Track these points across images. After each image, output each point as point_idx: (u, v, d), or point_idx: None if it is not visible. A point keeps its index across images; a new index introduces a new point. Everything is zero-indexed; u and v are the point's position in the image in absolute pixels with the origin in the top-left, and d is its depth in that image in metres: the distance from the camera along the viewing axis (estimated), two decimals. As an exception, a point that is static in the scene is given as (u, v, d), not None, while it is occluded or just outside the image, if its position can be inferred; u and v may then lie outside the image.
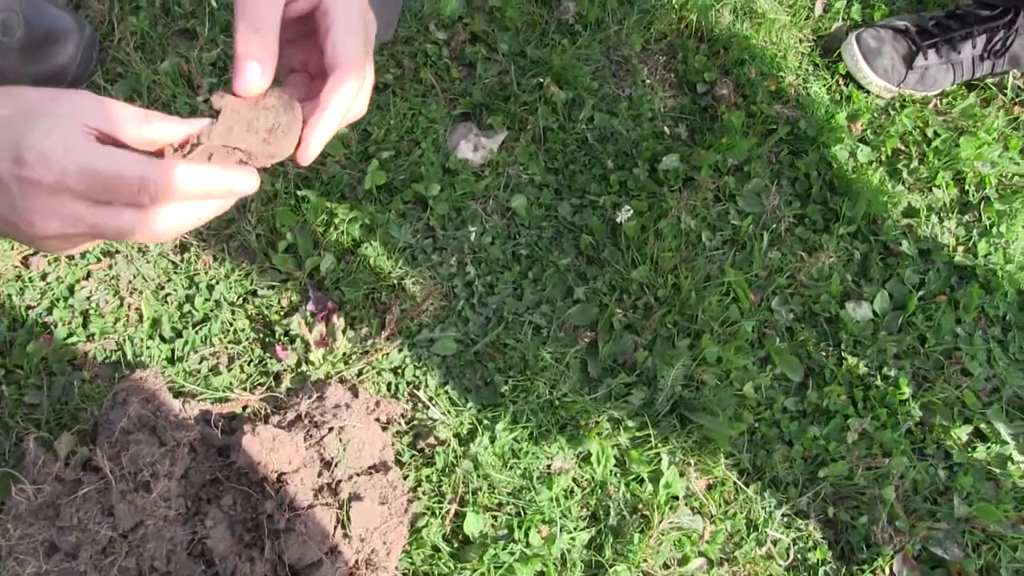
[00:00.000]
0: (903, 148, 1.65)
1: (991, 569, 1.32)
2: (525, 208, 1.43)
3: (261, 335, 1.28)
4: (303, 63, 0.70)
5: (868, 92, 1.68)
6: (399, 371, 1.30)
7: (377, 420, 1.24)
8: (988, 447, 1.42)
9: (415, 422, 1.27)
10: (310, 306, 1.29)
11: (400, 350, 1.30)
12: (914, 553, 1.32)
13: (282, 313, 1.30)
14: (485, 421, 1.28)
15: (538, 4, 1.59)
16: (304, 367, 1.27)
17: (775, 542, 1.31)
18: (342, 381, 1.26)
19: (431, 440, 1.25)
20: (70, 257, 1.27)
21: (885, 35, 1.67)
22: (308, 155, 0.63)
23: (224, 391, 1.23)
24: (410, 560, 1.19)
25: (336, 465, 1.15)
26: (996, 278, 1.55)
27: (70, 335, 1.23)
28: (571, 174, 1.48)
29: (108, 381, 1.21)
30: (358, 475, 1.16)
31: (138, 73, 1.36)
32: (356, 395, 1.24)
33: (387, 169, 1.40)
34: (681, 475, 1.31)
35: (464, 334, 1.34)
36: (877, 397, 1.42)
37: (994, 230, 1.60)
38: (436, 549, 1.20)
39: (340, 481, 1.15)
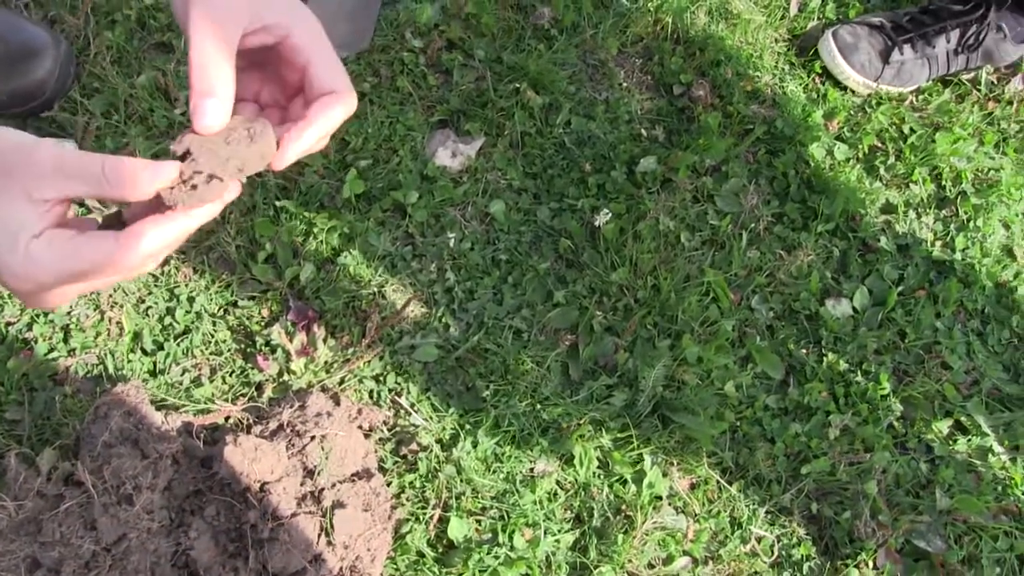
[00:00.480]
0: (880, 145, 1.66)
1: (973, 559, 1.33)
2: (504, 213, 1.44)
3: (242, 346, 1.29)
4: (255, 93, 0.71)
5: (845, 89, 1.69)
6: (381, 378, 1.30)
7: (359, 427, 1.25)
8: (969, 440, 1.43)
9: (397, 429, 1.28)
10: (291, 316, 1.30)
11: (381, 357, 1.31)
12: (897, 546, 1.33)
13: (263, 323, 1.30)
14: (467, 426, 1.29)
15: (514, 10, 1.60)
16: (286, 376, 1.27)
17: (759, 539, 1.32)
18: (324, 390, 1.27)
19: (414, 446, 1.26)
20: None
21: (861, 31, 1.69)
22: (284, 161, 0.64)
23: (206, 402, 1.23)
24: (395, 566, 1.19)
25: (319, 473, 1.16)
26: (974, 272, 1.57)
27: (51, 350, 1.23)
28: (549, 178, 1.49)
29: (90, 395, 1.21)
30: (341, 483, 1.17)
31: (115, 87, 1.37)
32: (338, 403, 1.24)
33: (365, 178, 1.40)
34: (664, 475, 1.32)
35: (445, 340, 1.34)
36: (858, 393, 1.43)
37: (971, 224, 1.61)
38: (421, 555, 1.20)
39: (323, 489, 1.15)
